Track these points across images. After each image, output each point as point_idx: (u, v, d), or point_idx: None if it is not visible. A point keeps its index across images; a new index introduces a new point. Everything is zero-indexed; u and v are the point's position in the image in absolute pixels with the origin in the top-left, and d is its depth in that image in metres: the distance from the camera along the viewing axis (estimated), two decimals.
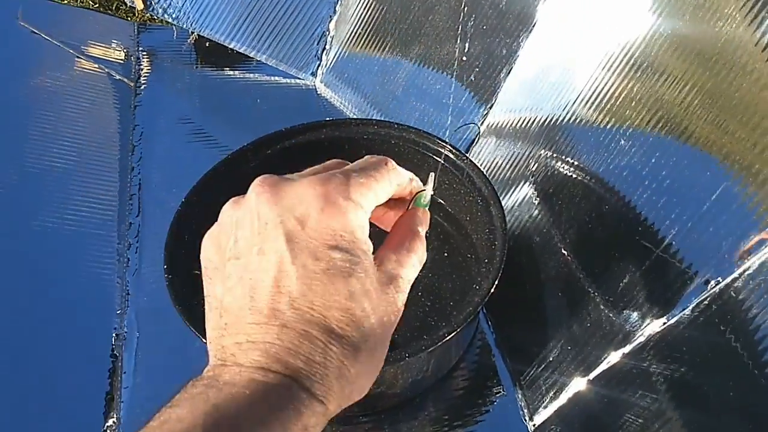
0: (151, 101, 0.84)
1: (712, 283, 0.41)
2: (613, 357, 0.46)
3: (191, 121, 0.82)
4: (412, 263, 0.34)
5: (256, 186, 0.33)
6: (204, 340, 0.37)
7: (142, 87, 0.86)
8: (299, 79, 0.88)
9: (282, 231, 0.31)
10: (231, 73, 0.90)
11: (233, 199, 0.35)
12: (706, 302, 0.41)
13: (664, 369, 0.42)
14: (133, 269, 0.66)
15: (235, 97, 0.86)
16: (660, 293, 0.43)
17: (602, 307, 0.48)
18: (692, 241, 0.43)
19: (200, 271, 0.41)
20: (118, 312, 0.63)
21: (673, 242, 0.44)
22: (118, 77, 0.86)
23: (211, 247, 0.34)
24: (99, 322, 0.63)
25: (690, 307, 0.41)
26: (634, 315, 0.45)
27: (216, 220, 0.35)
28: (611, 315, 0.47)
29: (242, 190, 0.41)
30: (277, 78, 0.88)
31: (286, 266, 0.30)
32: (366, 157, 0.35)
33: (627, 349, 0.45)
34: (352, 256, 0.31)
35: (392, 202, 0.36)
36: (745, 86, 0.40)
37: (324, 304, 0.29)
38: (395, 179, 0.35)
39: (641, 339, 0.44)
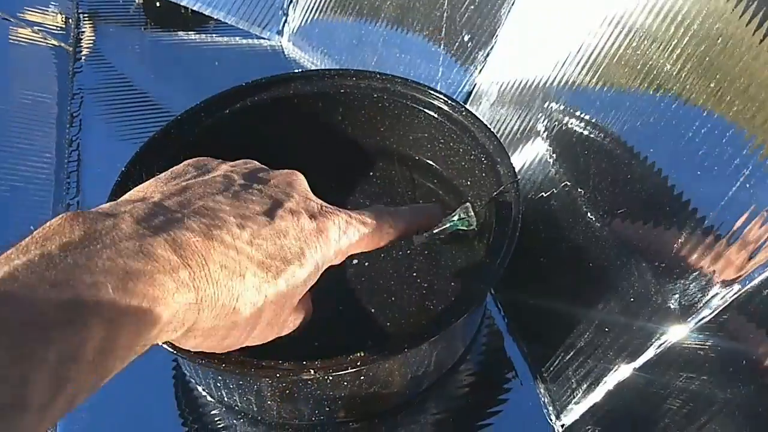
0: (93, 68, 0.73)
1: None
2: (670, 337, 0.37)
3: (138, 88, 0.70)
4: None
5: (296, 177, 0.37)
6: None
7: (83, 53, 0.75)
8: (263, 39, 0.77)
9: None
10: (185, 35, 0.78)
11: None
12: None
13: (746, 350, 0.32)
14: None
15: (190, 61, 0.75)
16: (734, 252, 0.34)
17: (650, 276, 0.38)
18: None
19: None
20: None
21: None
22: (56, 43, 0.75)
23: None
24: None
25: None
26: (694, 285, 0.36)
27: None
28: (664, 285, 0.37)
29: (194, 155, 0.37)
30: (238, 39, 0.77)
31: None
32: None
33: (689, 326, 0.36)
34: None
35: None
36: (742, 58, 0.35)
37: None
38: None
39: (706, 312, 0.35)
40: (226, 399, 0.45)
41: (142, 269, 0.25)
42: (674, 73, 0.39)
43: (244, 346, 0.34)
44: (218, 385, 0.43)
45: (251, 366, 0.36)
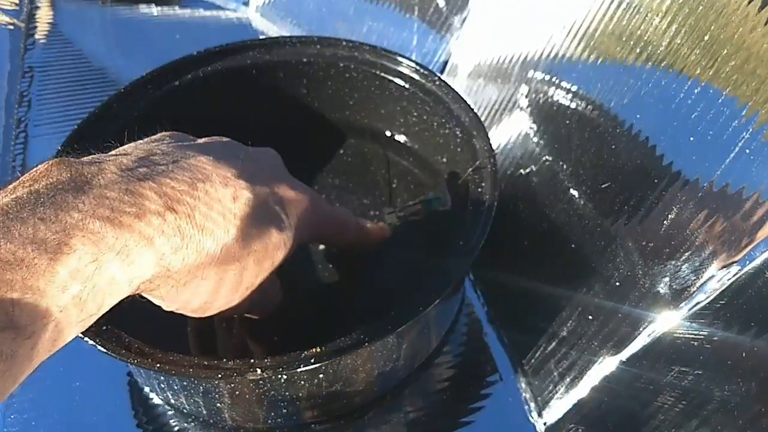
0: (47, 45, 0.68)
1: None
2: (660, 325, 0.32)
3: (94, 65, 0.66)
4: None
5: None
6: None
7: (38, 29, 0.70)
8: (228, 10, 0.73)
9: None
10: (147, 9, 0.74)
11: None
12: None
13: (746, 341, 0.28)
14: None
15: (150, 35, 0.70)
16: (731, 229, 0.29)
17: (637, 257, 0.34)
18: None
19: None
20: None
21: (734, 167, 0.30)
22: (8, 20, 0.70)
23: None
24: None
25: None
26: (686, 267, 0.32)
27: None
28: (652, 267, 0.33)
29: (142, 130, 0.34)
30: (202, 11, 0.73)
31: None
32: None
33: (681, 312, 0.32)
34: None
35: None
36: (737, 29, 0.32)
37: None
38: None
39: (700, 297, 0.31)
40: (172, 401, 0.41)
41: (129, 210, 0.25)
42: (664, 42, 0.35)
43: (213, 312, 0.34)
44: (162, 386, 0.39)
45: (190, 366, 0.32)
